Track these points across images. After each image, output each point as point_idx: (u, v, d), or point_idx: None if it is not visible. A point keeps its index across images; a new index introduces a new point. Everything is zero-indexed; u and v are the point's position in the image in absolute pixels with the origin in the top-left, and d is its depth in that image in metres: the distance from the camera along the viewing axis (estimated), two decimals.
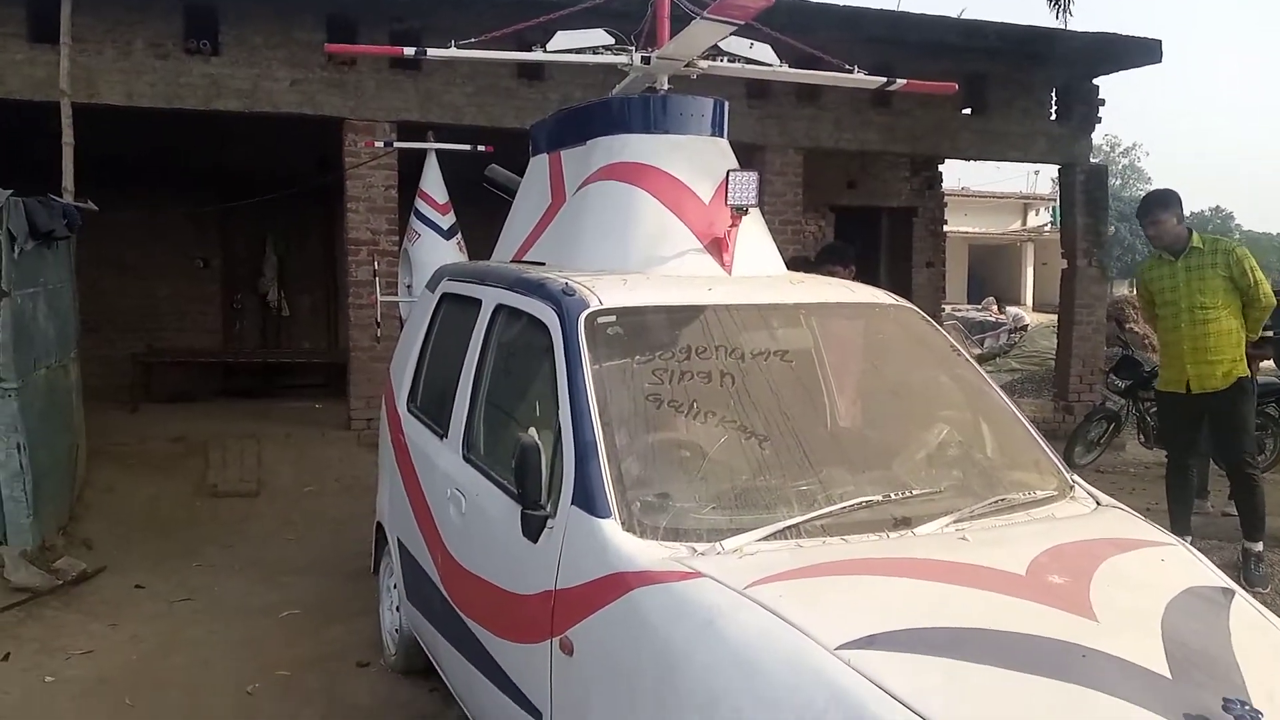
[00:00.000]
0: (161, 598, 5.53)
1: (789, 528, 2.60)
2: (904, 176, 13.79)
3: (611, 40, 4.04)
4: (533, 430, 2.91)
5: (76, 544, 6.13)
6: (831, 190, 13.00)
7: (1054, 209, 38.11)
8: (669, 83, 3.99)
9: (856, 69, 4.23)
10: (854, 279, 4.71)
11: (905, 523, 2.72)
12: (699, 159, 3.73)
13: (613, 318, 3.11)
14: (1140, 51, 10.74)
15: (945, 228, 14.66)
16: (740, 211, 3.48)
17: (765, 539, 2.56)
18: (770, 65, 4.14)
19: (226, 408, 9.96)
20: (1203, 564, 2.76)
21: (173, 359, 10.76)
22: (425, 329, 4.53)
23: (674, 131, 3.78)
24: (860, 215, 13.65)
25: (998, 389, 3.50)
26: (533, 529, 2.81)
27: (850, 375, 3.45)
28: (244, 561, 6.18)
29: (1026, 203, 38.15)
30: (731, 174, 3.41)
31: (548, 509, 2.81)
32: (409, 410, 4.43)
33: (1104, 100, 11.39)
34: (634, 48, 4.00)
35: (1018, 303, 31.20)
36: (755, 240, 3.72)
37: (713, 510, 2.69)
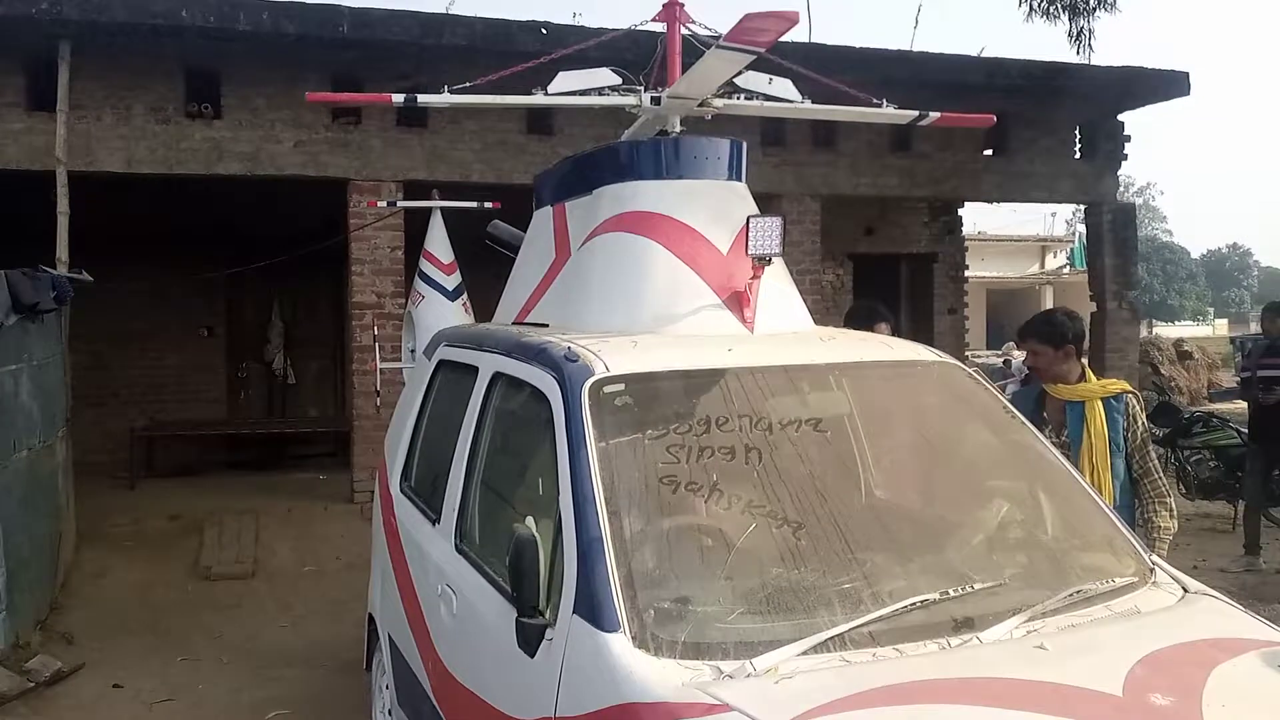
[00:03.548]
0: (141, 698, 5.09)
1: (832, 638, 2.18)
2: (923, 222, 13.45)
3: (618, 80, 3.69)
4: (530, 520, 2.51)
5: (55, 639, 5.72)
6: (849, 238, 12.66)
7: (1072, 251, 37.74)
8: (681, 124, 3.64)
9: (885, 103, 3.87)
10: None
11: (968, 624, 2.30)
12: (715, 205, 3.36)
13: (621, 386, 2.72)
14: (1167, 84, 10.45)
15: (966, 273, 14.28)
16: (763, 262, 3.09)
17: (804, 653, 2.14)
18: (792, 101, 3.78)
19: (229, 481, 9.65)
20: None
21: (174, 432, 10.44)
22: (420, 400, 4.15)
23: (688, 176, 3.41)
24: (879, 263, 13.29)
25: (1060, 456, 3.08)
26: (529, 640, 2.40)
27: (892, 445, 3.05)
28: (233, 652, 5.74)
29: (1044, 245, 37.71)
30: (752, 220, 3.03)
31: (546, 615, 2.40)
32: (402, 490, 4.04)
33: (1130, 136, 11.10)
34: (643, 87, 3.65)
35: None
36: (779, 293, 3.33)
37: (741, 616, 2.27)
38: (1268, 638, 2.40)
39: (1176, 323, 48.02)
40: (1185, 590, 2.64)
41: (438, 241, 6.84)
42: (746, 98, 3.75)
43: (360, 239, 8.69)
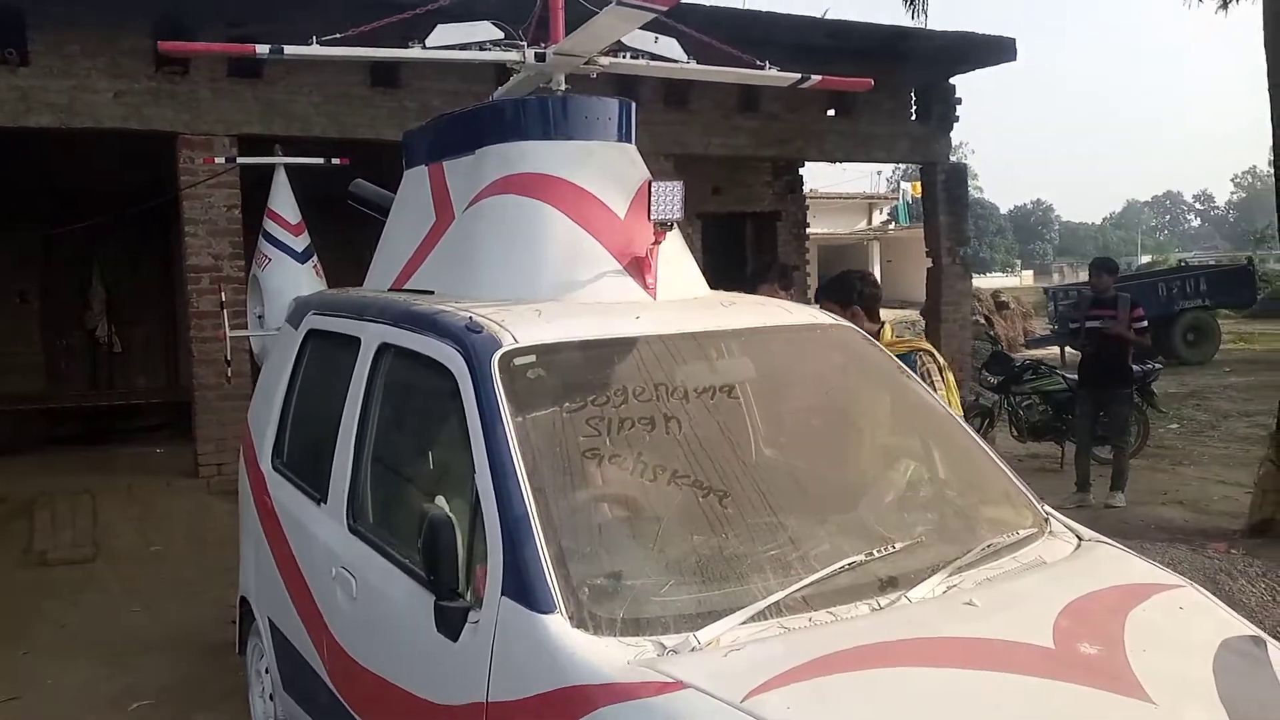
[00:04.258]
0: None
1: (768, 606, 2.18)
2: (766, 181, 13.67)
3: (500, 35, 3.54)
4: (441, 499, 2.41)
5: None
6: (698, 198, 12.71)
7: (895, 208, 39.38)
8: (566, 83, 3.52)
9: (768, 65, 3.85)
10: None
11: (892, 584, 2.34)
12: (608, 168, 3.28)
13: (531, 357, 2.63)
14: (995, 50, 10.89)
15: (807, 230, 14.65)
16: (664, 227, 3.04)
17: (745, 623, 2.12)
18: (679, 61, 3.71)
19: (55, 460, 8.94)
20: (1218, 606, 2.49)
21: None
22: (289, 373, 3.92)
23: (577, 137, 3.32)
24: (726, 222, 13.46)
25: (954, 414, 3.17)
26: (451, 624, 2.31)
27: (802, 409, 3.06)
28: (83, 642, 5.35)
29: (871, 203, 39.11)
30: (654, 185, 2.96)
31: (468, 598, 2.31)
32: (275, 468, 3.82)
33: (961, 99, 11.52)
34: (525, 43, 3.50)
35: None
36: (678, 259, 3.29)
37: (676, 588, 2.24)
38: (1163, 581, 2.54)
39: (987, 274, 50.86)
40: (1080, 539, 2.76)
41: (283, 200, 6.41)
42: (633, 56, 3.67)
43: (193, 197, 8.11)
